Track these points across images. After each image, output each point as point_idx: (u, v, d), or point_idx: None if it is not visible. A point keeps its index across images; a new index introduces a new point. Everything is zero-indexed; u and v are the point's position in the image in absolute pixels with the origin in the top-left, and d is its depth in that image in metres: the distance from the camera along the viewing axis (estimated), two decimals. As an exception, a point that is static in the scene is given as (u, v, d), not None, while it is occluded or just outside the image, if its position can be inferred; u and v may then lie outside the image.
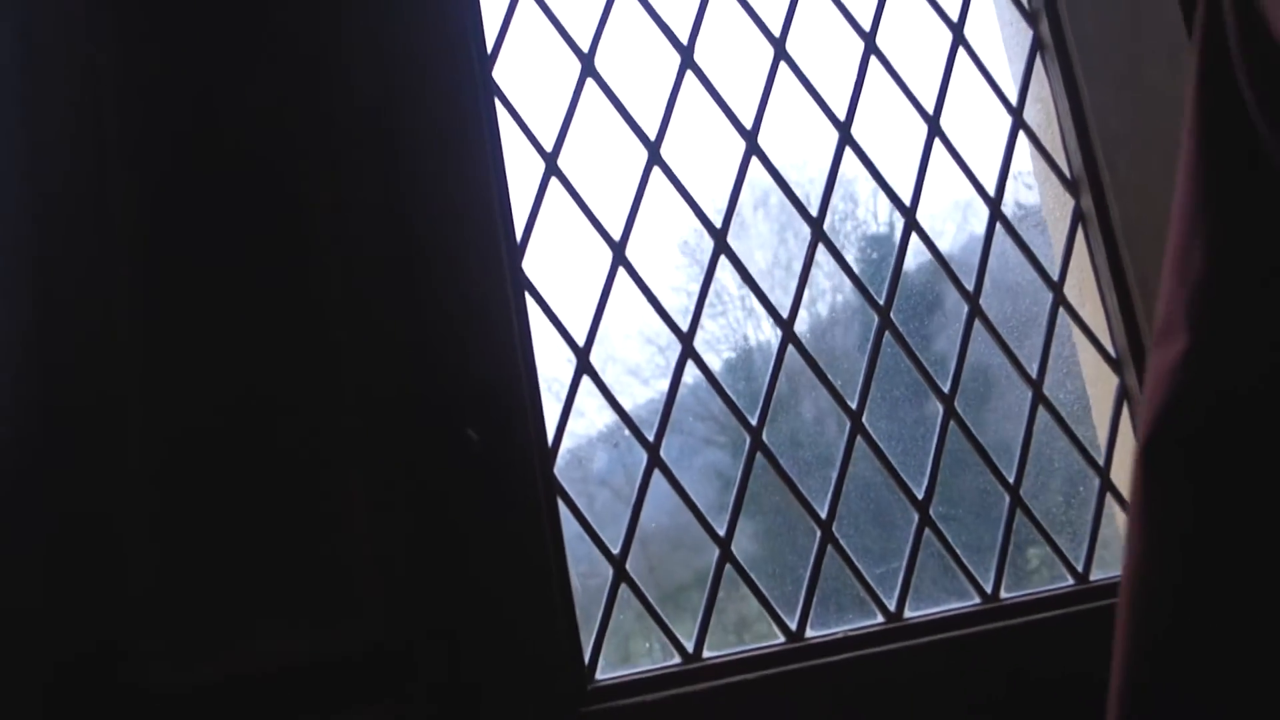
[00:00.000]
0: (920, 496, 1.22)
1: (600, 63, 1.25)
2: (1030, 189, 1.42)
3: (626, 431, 1.19)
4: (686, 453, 1.25)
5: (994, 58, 1.44)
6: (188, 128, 1.08)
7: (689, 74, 1.27)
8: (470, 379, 1.08)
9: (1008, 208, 1.41)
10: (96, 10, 1.09)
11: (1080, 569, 1.24)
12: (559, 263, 1.22)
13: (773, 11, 1.32)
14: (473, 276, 1.11)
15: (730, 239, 1.24)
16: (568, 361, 1.19)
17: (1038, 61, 1.37)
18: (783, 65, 1.30)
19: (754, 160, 1.27)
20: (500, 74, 1.22)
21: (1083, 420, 1.33)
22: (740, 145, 1.27)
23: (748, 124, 1.28)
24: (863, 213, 1.39)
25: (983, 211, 1.33)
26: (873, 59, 1.32)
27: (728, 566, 1.16)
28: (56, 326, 1.00)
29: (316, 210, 1.09)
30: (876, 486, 1.26)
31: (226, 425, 1.03)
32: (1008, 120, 1.36)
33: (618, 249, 1.21)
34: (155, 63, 1.09)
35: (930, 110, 1.32)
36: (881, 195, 1.31)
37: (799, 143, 1.34)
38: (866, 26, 1.33)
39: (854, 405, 1.23)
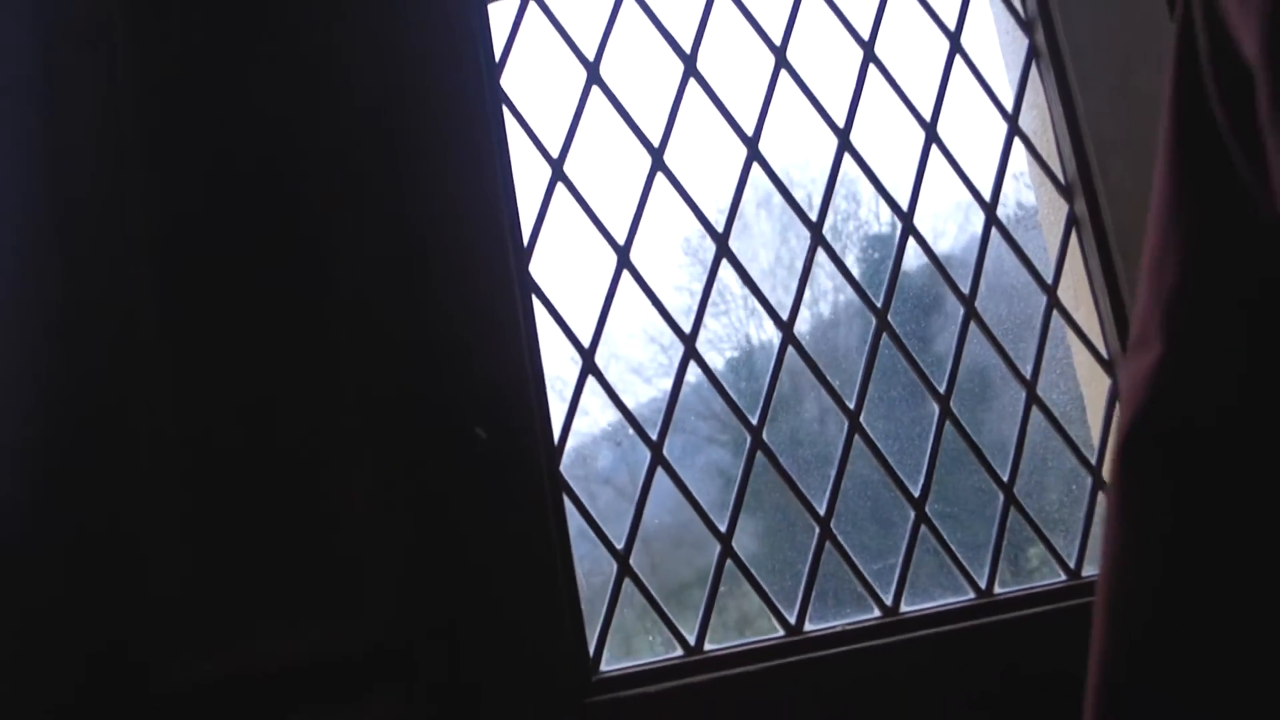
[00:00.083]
0: (916, 494, 1.25)
1: (605, 71, 1.28)
2: (1031, 190, 1.45)
3: (629, 430, 1.22)
4: (689, 451, 1.28)
5: (993, 64, 1.46)
6: (203, 134, 1.12)
7: (692, 81, 1.31)
8: (478, 379, 1.11)
9: (1009, 208, 1.44)
10: (114, 20, 1.12)
11: (1073, 565, 1.27)
12: (565, 266, 1.25)
13: (774, 21, 1.35)
14: (481, 279, 1.15)
15: (733, 238, 1.27)
16: (571, 360, 1.22)
17: (1033, 69, 1.40)
18: (783, 72, 1.33)
19: (760, 133, 1.30)
20: (507, 82, 1.25)
21: (1077, 420, 1.36)
22: (743, 150, 1.30)
23: (749, 130, 1.31)
24: (865, 212, 1.42)
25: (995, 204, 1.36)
26: (871, 66, 1.35)
27: (729, 562, 1.20)
28: (81, 330, 1.04)
29: (326, 215, 1.12)
30: (874, 485, 1.29)
31: (237, 426, 1.06)
32: (1005, 126, 1.39)
33: (622, 253, 1.24)
34: (171, 70, 1.13)
35: (928, 117, 1.35)
36: (887, 192, 1.34)
37: (801, 142, 1.36)
38: (866, 35, 1.36)
39: (852, 405, 1.26)
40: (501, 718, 1.05)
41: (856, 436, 1.26)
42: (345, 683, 1.03)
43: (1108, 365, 1.33)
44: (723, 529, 1.20)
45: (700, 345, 1.25)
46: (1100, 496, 1.29)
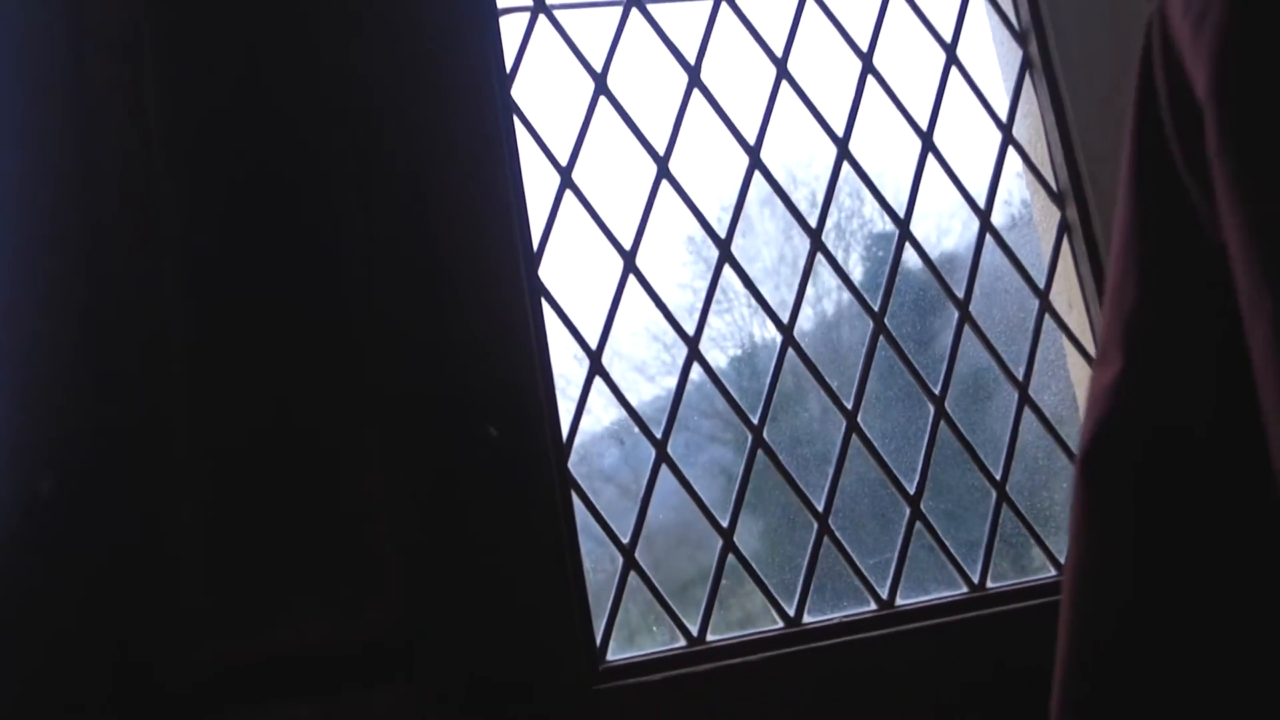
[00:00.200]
0: (912, 492, 1.30)
1: (612, 82, 1.33)
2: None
3: (632, 428, 1.26)
4: (692, 449, 1.33)
5: (990, 74, 1.51)
6: (227, 145, 1.16)
7: (696, 92, 1.35)
8: (490, 379, 1.16)
9: (1014, 206, 1.48)
10: (141, 34, 1.17)
11: (1063, 560, 1.31)
12: (572, 269, 1.29)
13: (775, 33, 1.39)
14: (493, 284, 1.19)
15: (736, 236, 1.32)
16: (574, 358, 1.27)
17: (1027, 79, 1.44)
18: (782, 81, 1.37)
19: (761, 142, 1.35)
20: (518, 93, 1.30)
21: (1069, 420, 1.41)
22: (744, 156, 1.35)
23: (751, 138, 1.35)
24: (869, 210, 1.45)
25: (993, 209, 1.40)
26: (869, 77, 1.40)
27: (730, 558, 1.24)
28: (111, 335, 1.09)
29: (347, 221, 1.17)
30: (871, 482, 1.34)
31: (261, 428, 1.11)
32: (999, 135, 1.43)
33: (629, 258, 1.28)
34: (197, 82, 1.17)
35: (924, 126, 1.40)
36: (888, 194, 1.38)
37: (805, 141, 1.40)
38: (865, 47, 1.41)
39: (850, 405, 1.30)
40: (513, 704, 1.10)
41: (854, 435, 1.30)
42: (363, 670, 1.08)
43: (1098, 367, 1.37)
44: (725, 525, 1.24)
45: (703, 343, 1.29)
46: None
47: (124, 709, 1.04)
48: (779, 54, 1.38)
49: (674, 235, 1.36)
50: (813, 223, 1.34)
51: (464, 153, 1.22)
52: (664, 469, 1.25)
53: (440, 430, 1.14)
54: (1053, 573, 1.31)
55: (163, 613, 1.06)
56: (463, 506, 1.13)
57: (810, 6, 1.40)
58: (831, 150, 1.38)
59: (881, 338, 1.33)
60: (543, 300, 1.24)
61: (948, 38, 1.43)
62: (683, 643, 1.20)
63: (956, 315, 1.36)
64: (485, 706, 1.09)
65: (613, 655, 1.19)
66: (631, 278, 1.28)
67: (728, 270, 1.32)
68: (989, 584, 1.29)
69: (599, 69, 1.32)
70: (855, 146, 1.38)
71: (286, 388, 1.12)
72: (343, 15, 1.21)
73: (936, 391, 1.33)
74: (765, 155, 1.35)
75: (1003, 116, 1.43)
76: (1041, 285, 1.39)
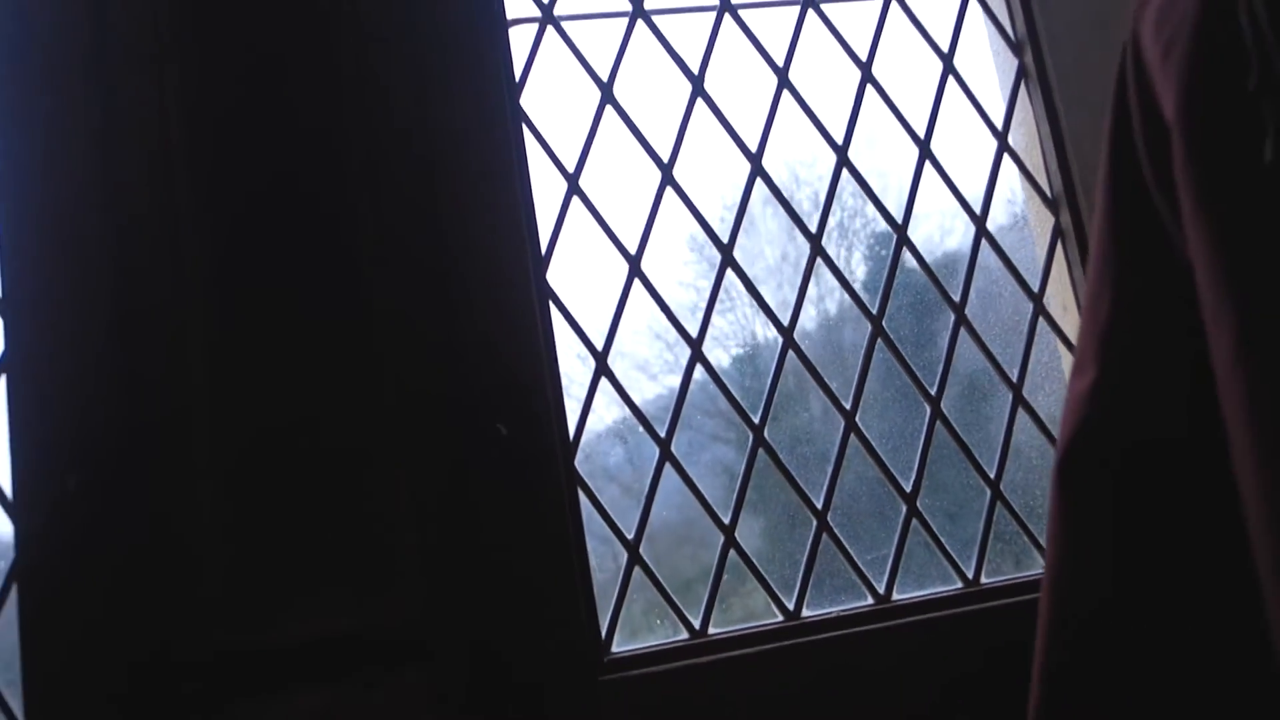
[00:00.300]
0: (908, 490, 1.34)
1: (618, 91, 1.36)
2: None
3: (636, 426, 1.30)
4: (695, 448, 1.36)
5: (989, 83, 1.55)
6: (248, 153, 1.20)
7: (699, 101, 1.39)
8: (501, 379, 1.20)
9: (1015, 207, 1.52)
10: (163, 45, 1.21)
11: (1055, 557, 1.35)
12: (579, 272, 1.33)
13: (777, 43, 1.43)
14: (504, 287, 1.23)
15: (740, 236, 1.35)
16: (577, 357, 1.30)
17: (1023, 88, 1.48)
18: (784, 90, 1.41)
19: (763, 149, 1.38)
20: (527, 101, 1.34)
21: (1062, 421, 1.44)
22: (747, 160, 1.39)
23: (753, 145, 1.39)
24: (872, 210, 1.47)
25: (993, 211, 1.44)
26: (869, 86, 1.43)
27: (732, 554, 1.28)
28: (136, 338, 1.13)
29: (364, 226, 1.21)
30: (870, 481, 1.37)
31: (280, 427, 1.15)
32: (995, 143, 1.47)
33: (634, 262, 1.32)
34: (217, 91, 1.21)
35: (921, 134, 1.43)
36: (890, 193, 1.42)
37: (807, 142, 1.43)
38: (864, 57, 1.44)
39: (848, 406, 1.34)
40: (522, 693, 1.14)
41: (853, 435, 1.34)
42: (376, 660, 1.12)
43: (1090, 369, 1.40)
44: (726, 522, 1.28)
45: (706, 342, 1.33)
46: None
47: (142, 696, 1.08)
48: (780, 64, 1.42)
49: (677, 234, 1.40)
50: (814, 225, 1.38)
51: (475, 159, 1.26)
52: (667, 467, 1.28)
53: (452, 429, 1.18)
54: (1045, 569, 1.35)
55: (183, 605, 1.10)
56: (474, 503, 1.17)
57: (811, 17, 1.44)
58: (838, 137, 1.41)
59: (880, 339, 1.37)
60: (550, 304, 1.28)
61: (945, 48, 1.47)
62: (685, 635, 1.24)
63: (952, 320, 1.39)
64: (494, 695, 1.13)
65: (618, 645, 1.22)
66: (636, 280, 1.32)
67: (730, 271, 1.36)
68: (983, 579, 1.33)
69: (605, 78, 1.36)
70: (857, 147, 1.41)
71: (304, 387, 1.16)
72: (361, 24, 1.25)
73: (932, 392, 1.36)
74: (768, 155, 1.39)
75: (999, 124, 1.47)
76: (1036, 289, 1.43)
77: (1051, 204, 1.45)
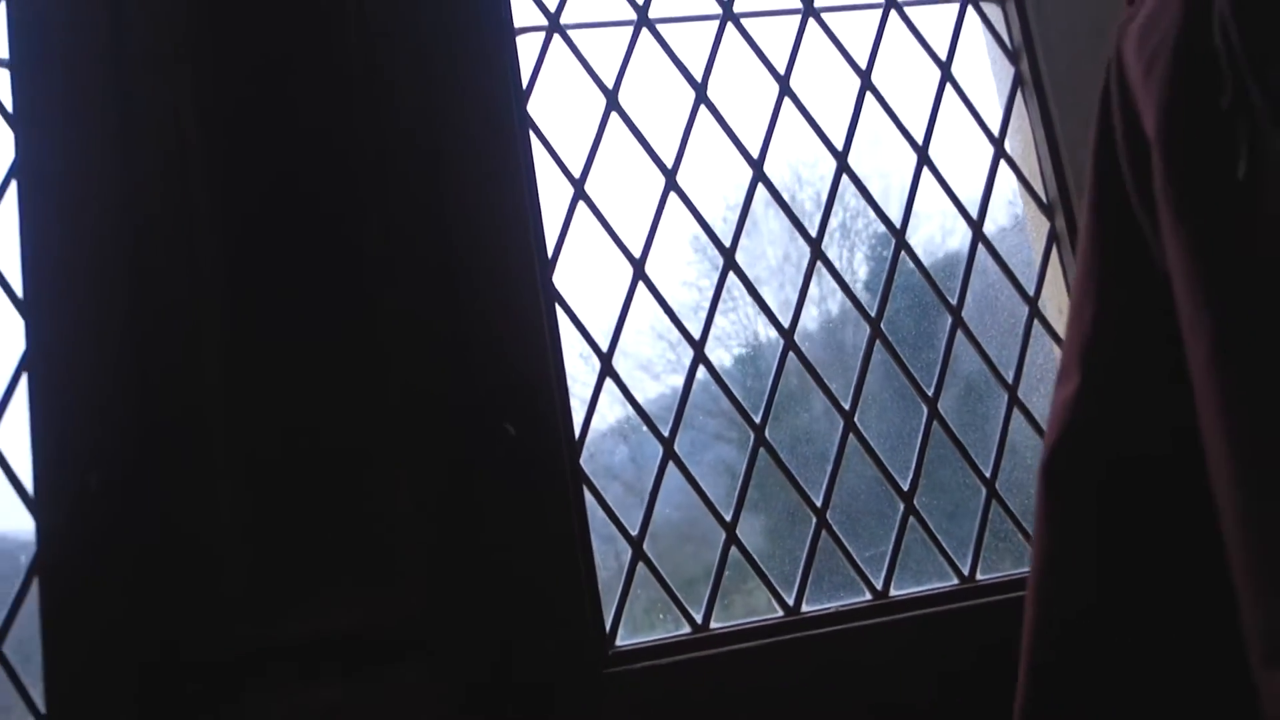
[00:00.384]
0: (906, 489, 1.37)
1: (623, 97, 1.39)
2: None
3: (639, 426, 1.33)
4: (697, 448, 1.39)
5: (986, 90, 1.57)
6: (260, 156, 1.23)
7: (703, 107, 1.42)
8: (508, 380, 1.23)
9: (1016, 208, 1.54)
10: (179, 49, 1.24)
11: (1049, 555, 1.38)
12: (584, 275, 1.36)
13: (778, 51, 1.46)
14: (510, 289, 1.26)
15: (742, 237, 1.38)
16: (580, 356, 1.33)
17: (1019, 95, 1.51)
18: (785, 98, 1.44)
19: (764, 155, 1.41)
20: (534, 108, 1.37)
21: (1057, 421, 1.47)
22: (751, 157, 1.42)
23: (755, 151, 1.42)
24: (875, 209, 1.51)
25: (995, 211, 1.47)
26: (868, 94, 1.46)
27: (734, 551, 1.31)
28: (153, 339, 1.16)
29: (373, 228, 1.24)
30: (869, 480, 1.40)
31: (293, 427, 1.18)
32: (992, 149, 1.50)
33: (638, 265, 1.35)
34: (230, 95, 1.24)
35: (920, 140, 1.46)
36: (892, 195, 1.45)
37: (809, 142, 1.45)
38: (864, 65, 1.47)
39: (847, 406, 1.37)
40: (528, 686, 1.17)
41: (852, 435, 1.37)
42: (387, 654, 1.15)
43: (1084, 371, 1.43)
44: (728, 518, 1.31)
45: (708, 342, 1.35)
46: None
47: (157, 690, 1.11)
48: (782, 71, 1.45)
49: (680, 234, 1.42)
50: (816, 226, 1.41)
51: (484, 164, 1.29)
52: (670, 465, 1.31)
53: (459, 428, 1.21)
54: (1040, 566, 1.38)
55: (199, 599, 1.12)
56: (481, 501, 1.19)
57: (812, 26, 1.47)
58: (838, 144, 1.44)
59: (878, 341, 1.40)
60: (556, 306, 1.31)
61: (944, 55, 1.50)
62: (688, 629, 1.27)
63: (949, 323, 1.42)
64: (501, 688, 1.16)
65: (622, 639, 1.25)
66: (640, 283, 1.35)
67: (732, 272, 1.39)
68: (979, 576, 1.36)
69: (610, 85, 1.39)
70: (862, 147, 1.44)
71: (313, 387, 1.18)
72: (372, 31, 1.28)
73: (929, 393, 1.39)
74: (771, 155, 1.41)
75: (996, 130, 1.50)
76: (1031, 292, 1.46)
77: (1047, 209, 1.48)
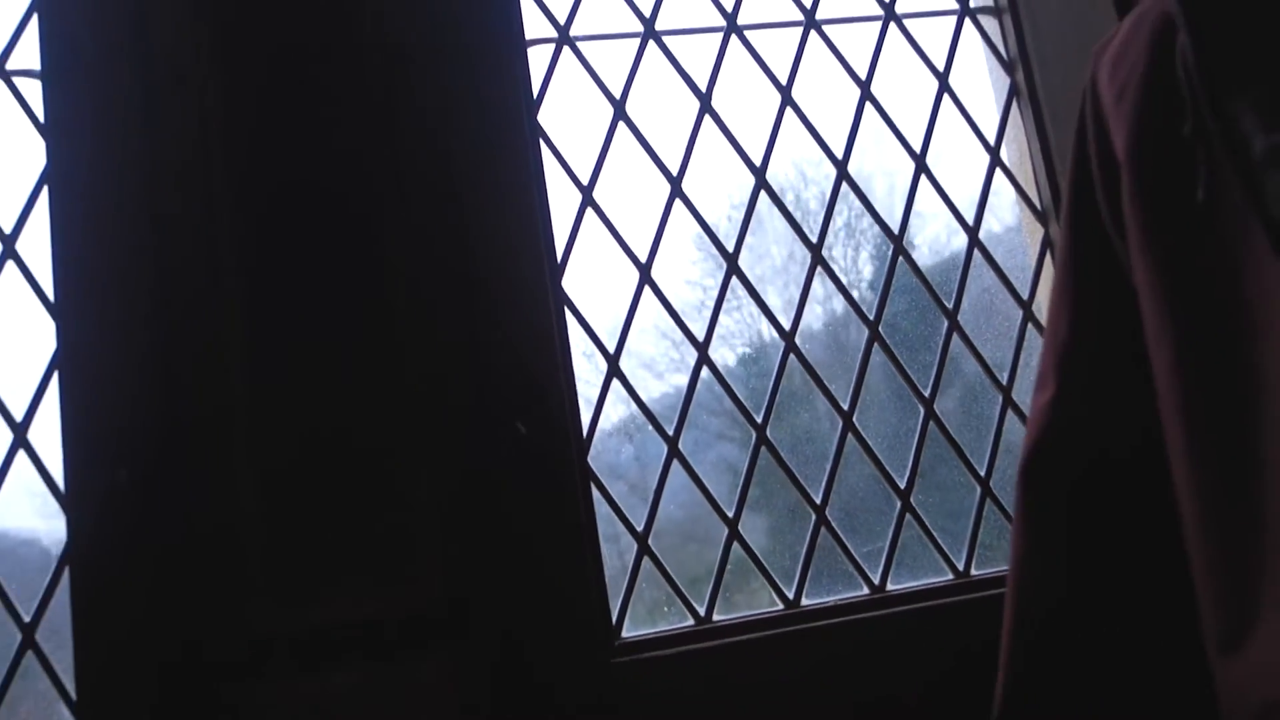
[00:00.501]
0: (903, 487, 1.41)
1: (630, 107, 1.44)
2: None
3: (644, 425, 1.37)
4: (701, 446, 1.43)
5: (983, 100, 1.62)
6: (281, 166, 1.28)
7: (707, 116, 1.46)
8: (519, 380, 1.27)
9: (1017, 207, 1.59)
10: (201, 63, 1.29)
11: (1042, 551, 1.42)
12: (591, 277, 1.40)
13: (780, 61, 1.51)
14: (523, 292, 1.30)
15: (746, 237, 1.43)
16: (584, 355, 1.37)
17: (1015, 105, 1.55)
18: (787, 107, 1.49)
19: (767, 163, 1.45)
20: (544, 117, 1.41)
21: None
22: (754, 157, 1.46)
23: (758, 158, 1.46)
24: (878, 208, 1.55)
25: (997, 211, 1.51)
26: (867, 102, 1.51)
27: (735, 547, 1.35)
28: (177, 340, 1.20)
29: (392, 234, 1.28)
30: (867, 478, 1.45)
31: (315, 426, 1.22)
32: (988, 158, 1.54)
33: (644, 270, 1.40)
34: (253, 107, 1.29)
35: (918, 149, 1.51)
36: (896, 195, 1.49)
37: (813, 142, 1.49)
38: (864, 75, 1.52)
39: (846, 406, 1.42)
40: (538, 675, 1.21)
41: (850, 434, 1.41)
42: (403, 642, 1.20)
43: (1077, 373, 1.47)
44: (730, 514, 1.35)
45: (712, 341, 1.40)
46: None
47: (187, 677, 1.16)
48: (784, 81, 1.49)
49: (684, 234, 1.46)
50: (818, 226, 1.45)
51: (496, 171, 1.33)
52: (674, 463, 1.36)
53: (472, 427, 1.26)
54: (1032, 562, 1.42)
55: (222, 597, 1.17)
56: (494, 497, 1.24)
57: (813, 38, 1.52)
58: (838, 148, 1.48)
59: (876, 344, 1.44)
60: (565, 308, 1.36)
61: (941, 66, 1.54)
62: (691, 622, 1.31)
63: (945, 326, 1.47)
64: (513, 675, 1.21)
65: (628, 630, 1.30)
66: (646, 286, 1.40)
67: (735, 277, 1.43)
68: (973, 571, 1.40)
69: (618, 95, 1.44)
70: (864, 148, 1.48)
71: (336, 387, 1.23)
72: (389, 43, 1.32)
73: (926, 394, 1.44)
74: (776, 155, 1.45)
75: (992, 140, 1.54)
76: (1025, 297, 1.50)
77: (1041, 216, 1.53)
